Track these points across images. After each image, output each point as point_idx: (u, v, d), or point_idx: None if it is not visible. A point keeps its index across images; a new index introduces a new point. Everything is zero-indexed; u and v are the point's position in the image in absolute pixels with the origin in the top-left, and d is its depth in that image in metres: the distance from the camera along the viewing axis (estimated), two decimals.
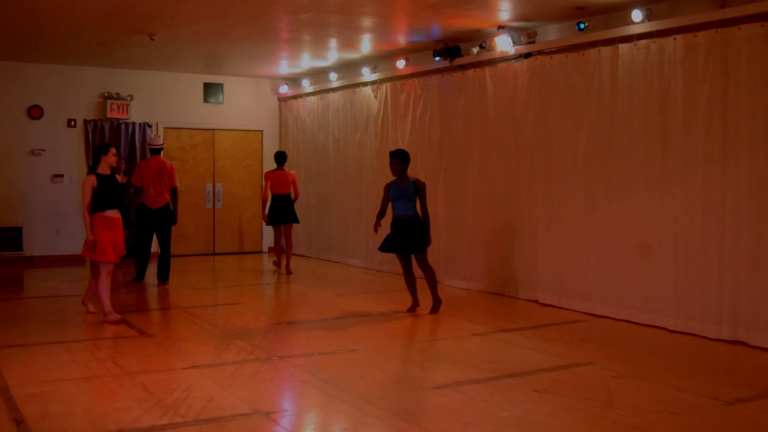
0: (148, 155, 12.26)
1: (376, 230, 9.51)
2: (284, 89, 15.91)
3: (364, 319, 9.15)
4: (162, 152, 11.93)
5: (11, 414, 5.44)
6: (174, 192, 11.62)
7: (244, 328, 8.50)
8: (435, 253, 11.77)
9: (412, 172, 12.54)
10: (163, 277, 11.61)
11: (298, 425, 5.43)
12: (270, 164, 15.86)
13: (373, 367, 6.88)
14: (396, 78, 12.76)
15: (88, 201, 8.63)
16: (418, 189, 9.14)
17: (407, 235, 9.08)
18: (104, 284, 8.67)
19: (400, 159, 9.20)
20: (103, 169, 8.81)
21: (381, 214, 9.38)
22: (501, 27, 10.17)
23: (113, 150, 8.91)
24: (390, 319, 9.08)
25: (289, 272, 12.88)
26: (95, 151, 9.03)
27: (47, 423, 5.26)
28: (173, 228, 11.77)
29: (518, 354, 7.39)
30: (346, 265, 13.97)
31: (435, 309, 9.26)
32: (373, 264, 13.29)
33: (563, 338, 8.06)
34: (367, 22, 10.23)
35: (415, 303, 9.41)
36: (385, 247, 9.32)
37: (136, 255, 11.89)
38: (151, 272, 12.12)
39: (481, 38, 10.84)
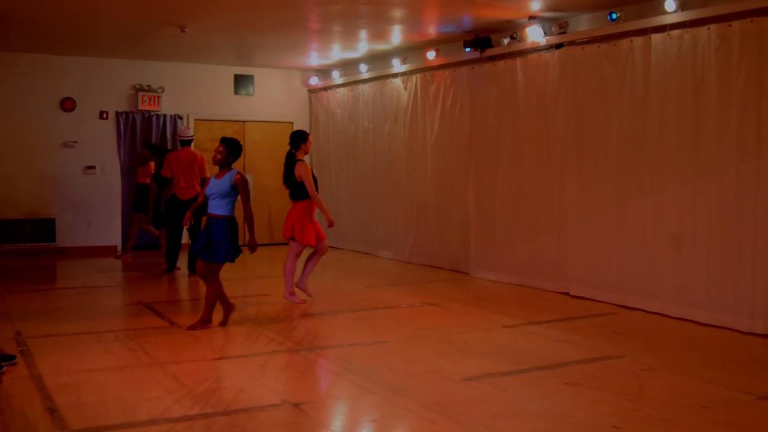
0: (179, 147, 12.32)
1: (185, 225, 8.57)
2: (314, 81, 15.92)
3: (394, 310, 9.15)
4: (192, 143, 11.99)
5: (45, 403, 5.51)
6: (204, 183, 11.67)
7: (275, 319, 8.54)
8: (465, 245, 11.77)
9: (443, 164, 12.60)
10: (194, 268, 11.66)
11: (328, 416, 5.45)
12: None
13: (403, 358, 6.88)
14: (426, 69, 12.72)
15: (314, 187, 9.15)
16: (236, 186, 7.95)
17: (210, 238, 8.01)
18: (292, 266, 9.35)
19: (228, 148, 7.98)
20: (303, 155, 9.34)
21: (195, 210, 8.41)
22: (532, 17, 10.10)
23: (311, 137, 9.52)
24: (419, 311, 9.07)
25: None
26: (297, 137, 9.39)
27: (80, 412, 5.32)
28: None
29: (548, 346, 7.35)
30: (375, 257, 13.97)
31: (198, 325, 8.04)
32: (403, 255, 13.28)
33: (594, 331, 8.01)
34: (397, 13, 10.21)
35: (207, 319, 8.13)
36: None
37: (167, 245, 11.97)
38: (182, 263, 12.19)
39: (512, 29, 10.77)
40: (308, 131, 9.87)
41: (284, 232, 9.39)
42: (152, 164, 13.47)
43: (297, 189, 9.25)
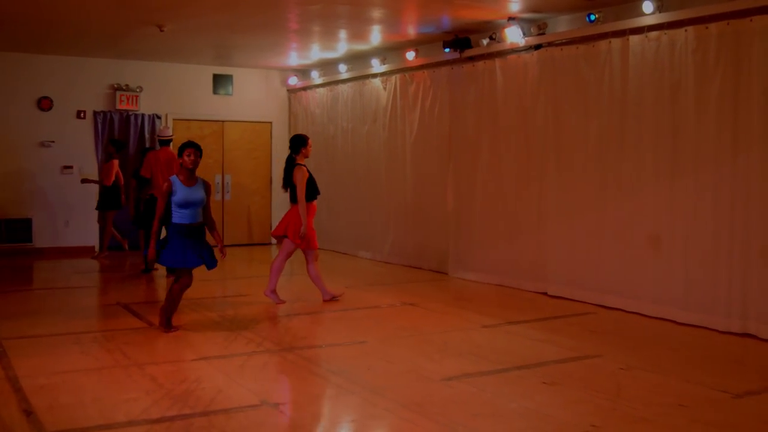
0: (158, 147, 12.26)
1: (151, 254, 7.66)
2: (293, 81, 15.89)
3: (373, 310, 9.14)
4: (171, 144, 11.94)
5: (21, 405, 5.46)
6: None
7: (253, 319, 8.51)
8: (445, 245, 11.79)
9: (422, 164, 12.62)
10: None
11: (307, 416, 5.44)
12: (279, 157, 15.89)
13: (382, 358, 6.87)
14: (405, 70, 12.73)
15: (303, 194, 9.21)
16: (208, 193, 7.81)
17: (199, 246, 7.69)
18: (280, 265, 9.43)
19: (200, 153, 7.77)
20: (303, 159, 9.46)
21: (163, 221, 7.68)
22: (511, 18, 10.13)
23: (311, 141, 9.63)
24: (398, 311, 9.08)
25: None
26: (296, 141, 9.52)
27: (57, 413, 5.27)
28: None
29: (527, 346, 7.37)
30: (354, 257, 13.97)
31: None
32: (382, 256, 13.29)
33: (572, 330, 8.04)
34: (376, 13, 10.21)
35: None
36: (182, 262, 7.67)
37: (146, 246, 11.90)
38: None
39: (491, 30, 10.79)
40: (307, 135, 9.92)
41: (277, 229, 9.43)
42: (116, 162, 13.43)
43: (294, 192, 9.30)
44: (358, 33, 11.66)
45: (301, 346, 7.32)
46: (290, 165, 9.40)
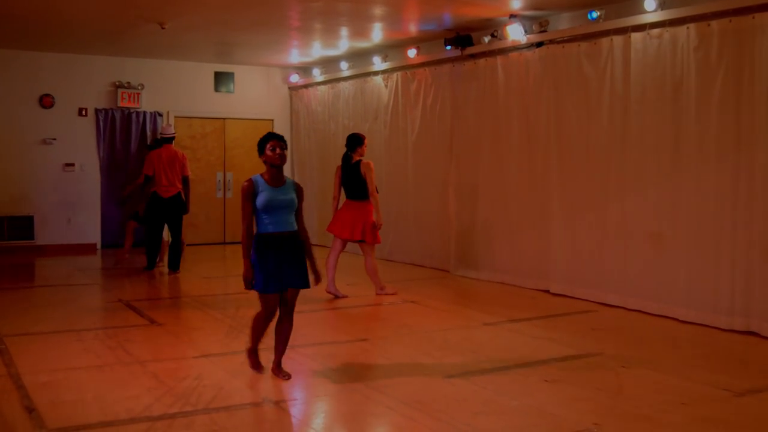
0: (160, 144, 12.25)
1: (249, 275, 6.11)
2: (295, 78, 15.88)
3: (374, 308, 9.15)
4: (173, 141, 11.94)
5: (23, 401, 5.46)
6: (186, 181, 11.68)
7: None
8: (446, 243, 11.78)
9: (424, 162, 12.61)
10: (174, 266, 11.62)
11: (308, 414, 5.44)
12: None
13: (383, 356, 6.88)
14: (407, 67, 12.71)
15: (374, 186, 9.42)
16: (299, 195, 6.25)
17: (297, 262, 6.17)
18: (373, 263, 9.62)
19: (285, 144, 6.21)
20: (358, 158, 9.52)
21: (250, 232, 6.14)
22: (513, 16, 10.12)
23: (367, 140, 9.67)
24: (400, 309, 9.07)
25: None
26: (353, 140, 9.59)
27: (58, 411, 5.28)
28: (184, 217, 11.78)
29: (528, 344, 7.37)
30: (356, 255, 13.93)
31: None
32: (383, 253, 13.27)
33: (574, 328, 8.04)
34: (378, 10, 10.20)
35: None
36: (273, 285, 6.05)
37: (147, 243, 11.92)
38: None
39: (493, 27, 10.78)
40: (363, 134, 9.97)
41: (344, 232, 9.61)
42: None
43: (358, 189, 9.49)
44: (359, 30, 11.65)
45: (303, 343, 7.31)
46: (348, 163, 9.58)
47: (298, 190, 6.27)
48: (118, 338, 7.43)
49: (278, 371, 6.16)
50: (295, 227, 6.18)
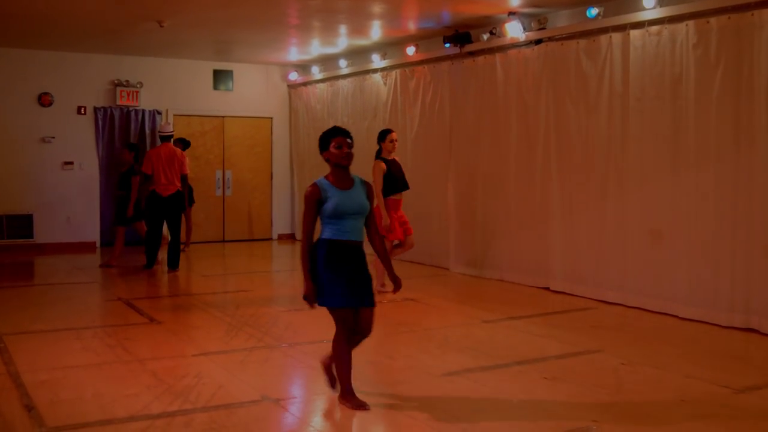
0: (158, 142, 12.25)
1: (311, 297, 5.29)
2: (294, 76, 15.87)
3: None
4: (172, 139, 11.93)
5: (22, 400, 5.46)
6: (185, 179, 11.66)
7: (254, 315, 8.50)
8: (445, 241, 11.78)
9: (423, 160, 12.61)
10: (173, 264, 11.60)
11: (308, 412, 5.44)
12: (279, 152, 15.84)
13: (382, 354, 6.87)
14: (406, 65, 12.71)
15: (379, 187, 9.27)
16: (371, 197, 5.46)
17: (367, 276, 5.42)
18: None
19: (352, 140, 5.43)
20: (386, 154, 9.49)
21: (310, 242, 5.32)
22: (511, 13, 10.12)
23: (391, 135, 9.56)
24: (399, 306, 9.07)
25: None
26: (378, 136, 9.67)
27: (57, 409, 5.27)
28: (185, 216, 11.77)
29: (528, 341, 7.37)
30: None
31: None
32: None
33: (573, 325, 8.04)
34: (376, 8, 10.19)
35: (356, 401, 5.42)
36: (345, 299, 5.28)
37: (146, 242, 11.91)
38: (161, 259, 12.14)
39: (492, 24, 10.78)
40: (390, 128, 10.06)
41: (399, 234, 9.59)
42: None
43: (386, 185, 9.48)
44: (358, 28, 11.64)
45: (302, 341, 7.31)
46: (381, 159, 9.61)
47: (369, 190, 5.45)
48: (118, 336, 7.42)
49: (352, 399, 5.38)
50: (362, 236, 5.40)
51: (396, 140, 9.65)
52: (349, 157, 5.31)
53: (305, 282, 5.22)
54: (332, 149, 5.30)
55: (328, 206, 5.20)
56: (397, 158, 9.84)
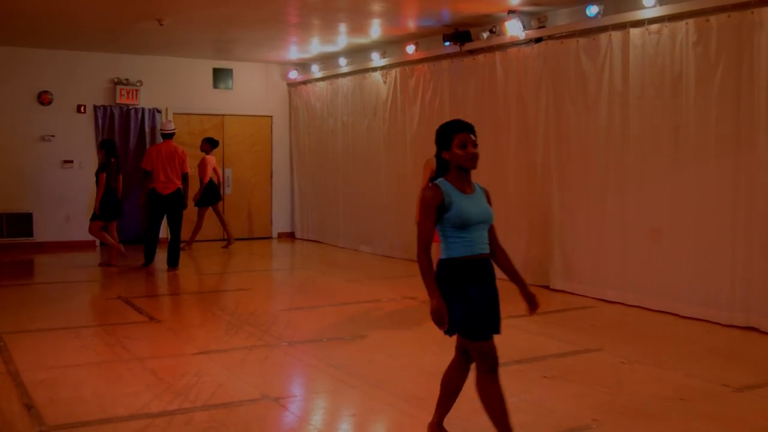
0: (159, 140, 12.19)
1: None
2: (294, 75, 15.86)
3: (374, 304, 9.14)
4: (173, 137, 11.88)
5: (21, 399, 5.46)
6: (185, 178, 11.62)
7: (254, 313, 8.50)
8: None
9: (423, 158, 12.56)
10: (173, 262, 11.57)
11: (308, 411, 5.43)
12: (279, 151, 15.85)
13: (383, 352, 6.87)
14: (405, 63, 12.70)
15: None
16: (490, 203, 4.77)
17: (495, 296, 4.63)
18: None
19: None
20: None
21: (428, 254, 4.35)
22: (511, 12, 10.11)
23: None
24: (399, 305, 9.07)
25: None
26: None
27: (57, 408, 5.27)
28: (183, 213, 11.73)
29: (528, 340, 7.36)
30: (355, 251, 13.95)
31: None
32: (383, 250, 13.27)
33: (573, 324, 8.03)
34: (376, 6, 10.18)
35: None
36: (485, 326, 4.52)
37: (144, 239, 11.89)
38: (161, 257, 12.13)
39: (492, 23, 10.77)
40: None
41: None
42: (212, 158, 14.01)
43: None
44: (358, 26, 11.63)
45: (302, 339, 7.31)
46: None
47: (489, 196, 4.76)
48: (117, 335, 7.42)
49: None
50: (488, 248, 4.60)
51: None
52: (476, 158, 4.46)
53: (433, 298, 4.26)
54: (455, 149, 4.45)
55: (452, 214, 4.34)
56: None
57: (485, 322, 4.44)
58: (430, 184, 4.44)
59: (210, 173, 13.83)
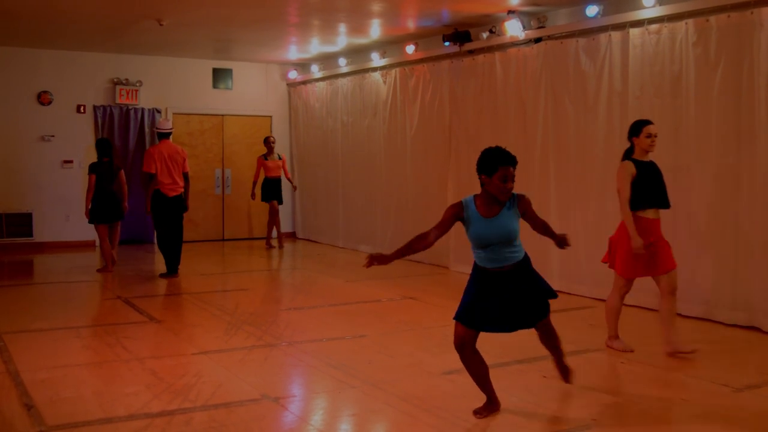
0: (157, 140, 11.92)
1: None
2: (293, 75, 15.87)
3: (373, 304, 9.14)
4: (171, 136, 11.52)
5: (22, 398, 5.46)
6: (186, 178, 11.16)
7: (254, 313, 8.51)
8: (445, 239, 11.73)
9: (422, 158, 12.61)
10: (173, 269, 11.05)
11: (307, 411, 5.44)
12: (279, 150, 15.86)
13: (382, 352, 6.87)
14: (405, 63, 12.70)
15: (627, 195, 6.68)
16: (527, 211, 5.48)
17: (526, 293, 5.31)
18: (611, 302, 7.03)
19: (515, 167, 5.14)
20: (639, 153, 6.78)
21: (423, 242, 5.32)
22: (511, 12, 10.11)
23: (648, 128, 6.72)
24: (399, 305, 9.07)
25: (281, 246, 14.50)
26: (633, 129, 6.85)
27: (57, 408, 5.27)
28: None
29: (527, 339, 7.32)
30: (354, 251, 13.95)
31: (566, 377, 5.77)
32: (382, 249, 13.15)
33: (572, 324, 8.03)
34: (376, 6, 10.19)
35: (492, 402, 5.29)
36: (467, 315, 5.29)
37: (160, 247, 11.22)
38: (159, 260, 12.11)
39: (491, 23, 10.78)
40: (648, 119, 7.00)
41: (606, 255, 7.21)
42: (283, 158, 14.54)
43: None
44: (357, 27, 11.64)
45: (302, 340, 7.31)
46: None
47: (522, 204, 5.29)
48: (117, 335, 7.42)
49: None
50: (521, 254, 5.27)
51: (655, 135, 6.75)
52: (510, 193, 5.06)
53: (389, 258, 5.08)
54: (497, 180, 4.97)
55: (469, 235, 5.10)
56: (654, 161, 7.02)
57: (484, 312, 5.13)
58: (457, 203, 5.17)
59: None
